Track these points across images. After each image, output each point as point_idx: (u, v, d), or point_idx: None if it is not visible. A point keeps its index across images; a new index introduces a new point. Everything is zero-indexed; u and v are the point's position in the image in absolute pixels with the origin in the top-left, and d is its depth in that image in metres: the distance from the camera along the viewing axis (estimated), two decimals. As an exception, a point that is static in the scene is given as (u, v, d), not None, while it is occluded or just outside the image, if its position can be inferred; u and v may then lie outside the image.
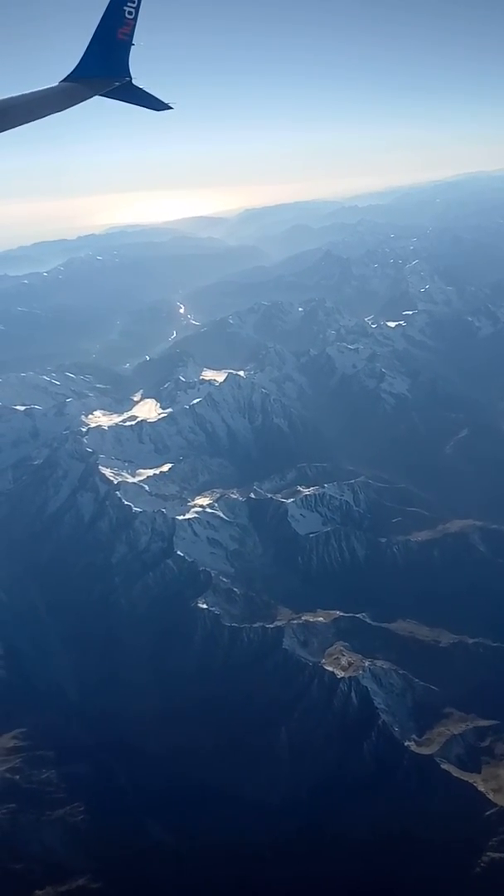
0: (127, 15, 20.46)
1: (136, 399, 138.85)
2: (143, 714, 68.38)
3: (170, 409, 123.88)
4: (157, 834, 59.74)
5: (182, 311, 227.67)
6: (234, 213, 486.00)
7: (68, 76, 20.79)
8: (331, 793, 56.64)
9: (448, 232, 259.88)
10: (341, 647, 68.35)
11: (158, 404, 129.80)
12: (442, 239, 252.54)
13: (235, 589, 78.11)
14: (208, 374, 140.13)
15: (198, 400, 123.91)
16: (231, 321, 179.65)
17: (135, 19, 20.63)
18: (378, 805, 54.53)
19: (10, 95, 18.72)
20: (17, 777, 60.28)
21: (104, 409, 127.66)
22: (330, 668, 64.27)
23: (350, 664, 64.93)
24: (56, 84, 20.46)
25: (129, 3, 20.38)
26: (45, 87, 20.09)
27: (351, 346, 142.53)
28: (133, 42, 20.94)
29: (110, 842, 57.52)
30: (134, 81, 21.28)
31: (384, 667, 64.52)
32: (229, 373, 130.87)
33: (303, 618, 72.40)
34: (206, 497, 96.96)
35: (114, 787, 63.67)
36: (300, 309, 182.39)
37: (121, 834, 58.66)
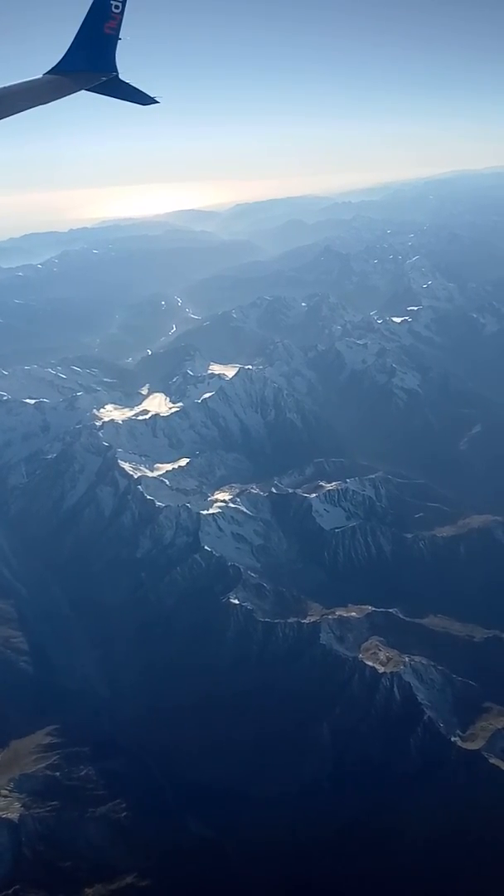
0: (113, 9, 20.18)
1: (143, 393, 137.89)
2: (177, 710, 67.82)
3: (181, 404, 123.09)
4: (198, 830, 59.31)
5: (180, 304, 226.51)
6: (225, 207, 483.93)
7: (53, 69, 20.47)
8: (377, 788, 56.52)
9: (445, 229, 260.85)
10: (377, 643, 68.32)
11: (168, 399, 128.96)
12: (439, 235, 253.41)
13: (265, 584, 77.79)
14: (216, 369, 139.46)
15: (209, 394, 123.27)
16: (234, 315, 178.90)
17: (121, 13, 20.35)
18: (427, 800, 54.52)
19: None
20: (58, 774, 59.65)
21: (115, 404, 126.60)
22: (370, 663, 64.19)
23: (388, 659, 64.93)
24: (40, 76, 20.13)
25: None
26: (29, 78, 19.75)
27: (359, 342, 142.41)
28: (120, 36, 20.69)
29: (153, 839, 57.07)
30: (120, 76, 21.04)
31: (423, 662, 64.52)
32: (241, 367, 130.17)
33: (336, 613, 72.20)
34: (225, 492, 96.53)
35: (151, 784, 63.22)
36: (303, 304, 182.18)
37: (163, 831, 58.22)
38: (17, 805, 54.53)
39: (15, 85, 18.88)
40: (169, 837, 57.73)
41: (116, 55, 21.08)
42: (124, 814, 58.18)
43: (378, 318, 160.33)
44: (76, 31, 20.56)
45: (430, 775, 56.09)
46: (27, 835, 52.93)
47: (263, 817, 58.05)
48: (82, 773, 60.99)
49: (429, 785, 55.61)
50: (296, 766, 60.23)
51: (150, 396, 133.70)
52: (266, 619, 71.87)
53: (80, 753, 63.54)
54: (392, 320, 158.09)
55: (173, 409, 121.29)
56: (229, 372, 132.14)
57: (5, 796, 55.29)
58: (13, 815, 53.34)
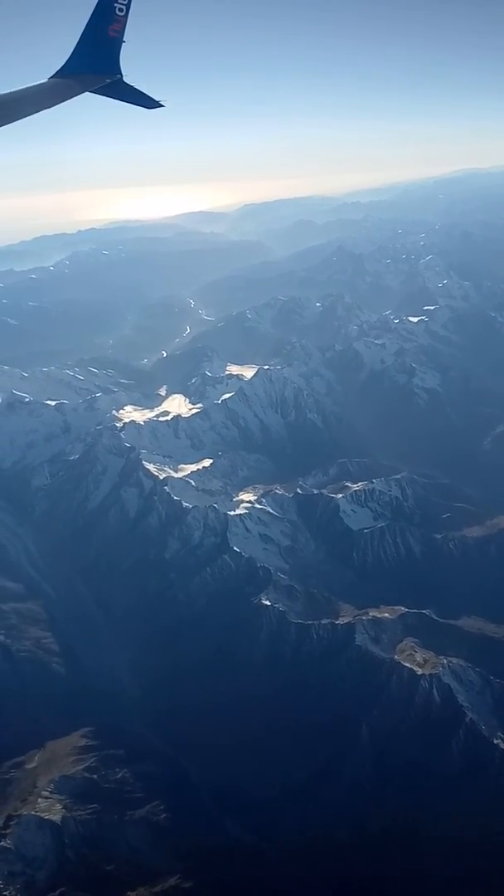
0: (118, 12, 20.26)
1: (162, 394, 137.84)
2: (210, 711, 67.50)
3: (200, 405, 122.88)
4: (235, 832, 59.10)
5: (193, 305, 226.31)
6: (233, 208, 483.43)
7: (58, 72, 20.59)
8: (419, 790, 56.05)
9: (456, 228, 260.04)
10: (412, 644, 67.90)
11: (187, 400, 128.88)
12: (451, 234, 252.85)
13: (295, 585, 77.44)
14: (234, 369, 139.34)
15: (229, 395, 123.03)
16: (249, 316, 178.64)
17: (126, 16, 20.42)
18: (470, 803, 54.11)
19: None
20: (96, 776, 59.34)
21: (134, 405, 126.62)
22: (407, 665, 63.77)
23: (425, 661, 64.48)
24: (45, 80, 20.27)
25: (119, 0, 20.19)
26: (34, 83, 19.89)
27: (377, 342, 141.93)
28: (124, 39, 20.77)
29: (193, 840, 56.78)
30: (125, 78, 21.11)
31: (461, 664, 64.03)
32: (260, 367, 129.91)
33: (369, 614, 71.79)
34: (249, 493, 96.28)
35: (187, 786, 62.95)
36: (318, 304, 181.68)
37: (202, 832, 57.98)
38: (58, 807, 54.26)
39: (20, 90, 19.03)
40: (208, 838, 57.47)
41: (121, 58, 21.16)
42: (163, 815, 57.91)
43: (394, 318, 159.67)
44: (80, 34, 20.67)
45: (472, 778, 55.66)
46: (70, 837, 52.65)
47: (302, 819, 57.78)
48: (119, 776, 60.69)
49: (471, 787, 55.18)
50: (335, 767, 59.90)
51: (170, 398, 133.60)
52: (299, 621, 71.52)
53: (116, 755, 63.21)
54: (409, 320, 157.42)
55: (194, 411, 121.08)
56: (247, 373, 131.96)
57: (46, 797, 55.06)
58: (55, 817, 53.08)
